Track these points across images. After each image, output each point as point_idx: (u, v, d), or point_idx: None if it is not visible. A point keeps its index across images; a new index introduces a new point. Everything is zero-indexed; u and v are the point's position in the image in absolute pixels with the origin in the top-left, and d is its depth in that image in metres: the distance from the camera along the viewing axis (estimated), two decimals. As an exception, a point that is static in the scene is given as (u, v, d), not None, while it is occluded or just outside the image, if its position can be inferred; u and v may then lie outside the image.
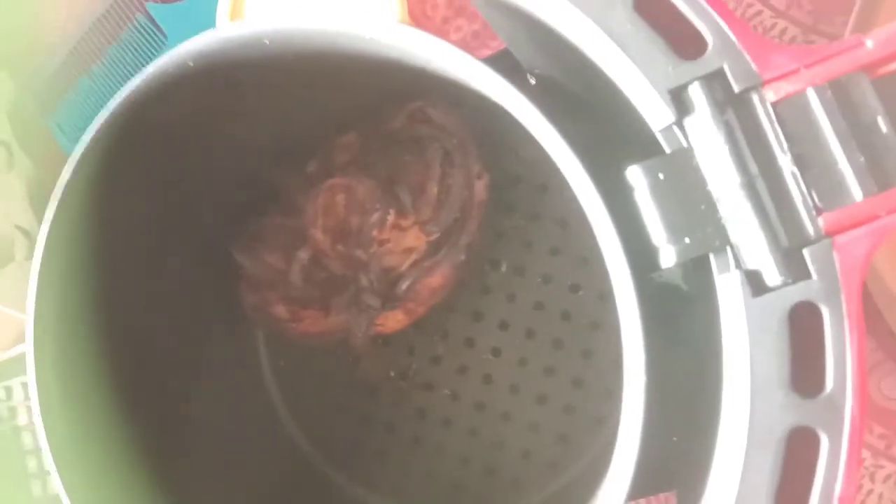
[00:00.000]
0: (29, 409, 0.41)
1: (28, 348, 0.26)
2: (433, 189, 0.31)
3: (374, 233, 0.31)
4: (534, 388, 0.34)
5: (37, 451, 0.41)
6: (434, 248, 0.32)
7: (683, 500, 0.24)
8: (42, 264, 0.26)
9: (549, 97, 0.32)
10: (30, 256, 0.41)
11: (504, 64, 0.31)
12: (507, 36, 0.28)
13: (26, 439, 0.41)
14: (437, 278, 0.32)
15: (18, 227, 0.41)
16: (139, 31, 0.42)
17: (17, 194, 0.42)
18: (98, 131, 0.25)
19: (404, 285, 0.32)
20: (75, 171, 0.25)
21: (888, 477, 0.32)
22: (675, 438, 0.25)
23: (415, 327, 0.34)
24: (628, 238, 0.19)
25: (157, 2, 0.42)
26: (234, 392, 0.36)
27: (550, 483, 0.34)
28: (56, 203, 0.25)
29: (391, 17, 0.33)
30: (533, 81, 0.32)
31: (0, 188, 0.41)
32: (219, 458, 0.32)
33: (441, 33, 0.37)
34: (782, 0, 0.34)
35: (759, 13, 0.34)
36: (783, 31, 0.34)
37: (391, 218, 0.31)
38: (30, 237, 0.41)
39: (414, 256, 0.32)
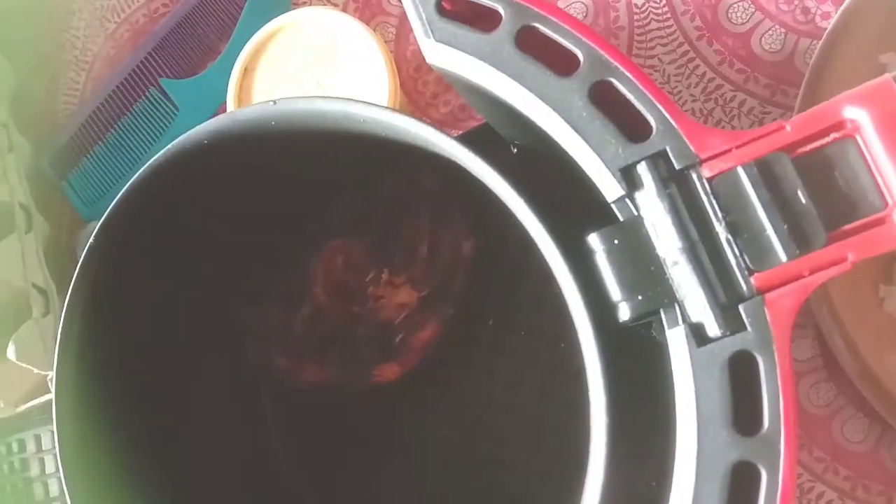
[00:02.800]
0: (41, 460, 0.43)
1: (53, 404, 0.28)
2: (424, 250, 0.34)
3: (370, 290, 0.34)
4: (521, 435, 0.36)
5: (48, 501, 0.42)
6: (425, 304, 0.35)
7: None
8: (64, 325, 0.28)
9: (529, 165, 0.35)
10: (46, 313, 0.43)
11: (488, 134, 0.35)
12: (487, 115, 0.31)
13: (38, 490, 0.43)
14: (427, 331, 0.35)
15: (35, 286, 0.43)
16: (152, 103, 0.45)
17: (34, 254, 0.44)
18: (120, 202, 0.28)
19: (398, 338, 0.35)
20: (97, 239, 0.28)
21: (855, 517, 0.34)
22: (653, 483, 0.27)
23: (408, 377, 0.36)
24: (595, 295, 0.22)
25: (169, 77, 0.45)
26: (236, 440, 0.38)
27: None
28: (78, 268, 0.28)
29: (384, 96, 0.36)
30: (514, 150, 0.35)
31: (20, 248, 0.43)
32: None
33: (431, 107, 0.41)
34: (740, 76, 0.37)
35: (719, 87, 0.38)
36: (742, 103, 0.37)
37: (385, 276, 0.34)
38: (45, 295, 0.44)
39: (407, 311, 0.35)
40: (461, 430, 0.37)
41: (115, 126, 0.46)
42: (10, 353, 0.39)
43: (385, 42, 0.39)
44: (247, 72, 0.39)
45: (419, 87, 0.41)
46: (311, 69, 0.38)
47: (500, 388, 0.36)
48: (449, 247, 0.34)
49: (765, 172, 0.20)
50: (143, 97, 0.45)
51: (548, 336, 0.36)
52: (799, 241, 0.20)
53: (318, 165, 0.31)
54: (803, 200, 0.20)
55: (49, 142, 0.47)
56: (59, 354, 0.29)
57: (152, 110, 0.45)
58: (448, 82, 0.27)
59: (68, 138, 0.46)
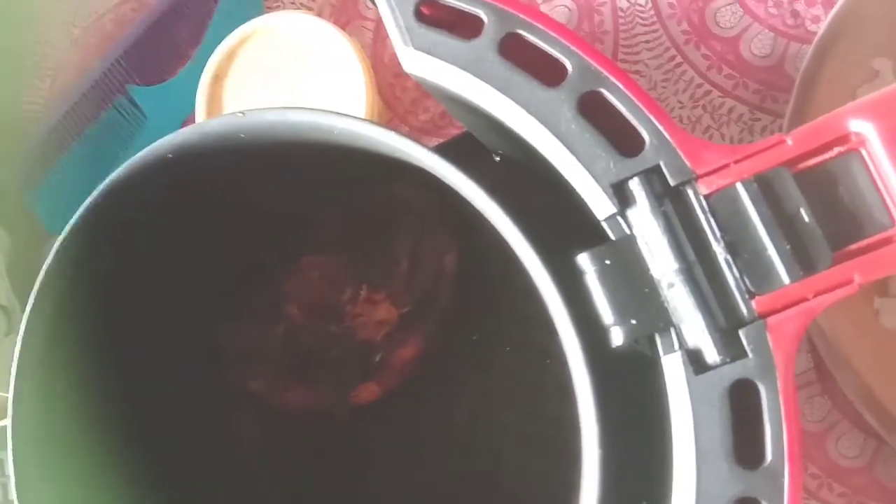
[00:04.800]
0: (3, 486, 0.41)
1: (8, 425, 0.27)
2: (404, 264, 0.32)
3: (348, 307, 0.32)
4: (512, 456, 0.35)
5: (10, 528, 0.40)
6: (406, 321, 0.33)
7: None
8: (23, 345, 0.26)
9: (512, 175, 0.34)
10: (8, 332, 0.41)
11: (469, 143, 0.33)
12: (469, 125, 0.30)
13: (0, 516, 0.41)
14: (409, 349, 0.33)
15: (-3, 303, 0.41)
16: (120, 111, 0.43)
17: (-4, 271, 0.42)
18: (79, 218, 0.26)
19: (378, 357, 0.33)
20: (57, 257, 0.26)
21: (851, 534, 0.33)
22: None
23: (391, 397, 0.35)
24: (586, 315, 0.20)
25: (137, 83, 0.43)
26: (214, 466, 0.36)
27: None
28: (37, 288, 0.26)
29: (361, 103, 0.35)
30: (497, 159, 0.34)
31: (-20, 265, 0.41)
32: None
33: (410, 114, 0.39)
34: (729, 81, 0.36)
35: (708, 93, 0.36)
36: (731, 110, 0.36)
37: (364, 293, 0.32)
38: (8, 313, 0.42)
39: (386, 328, 0.33)
40: (449, 451, 0.35)
41: (82, 135, 0.44)
42: (-31, 375, 0.37)
43: (362, 47, 0.37)
44: (217, 78, 0.38)
45: (397, 93, 0.40)
46: (285, 76, 0.37)
47: (486, 405, 0.35)
48: (430, 261, 0.33)
49: (765, 189, 0.19)
50: (110, 104, 0.44)
51: (533, 351, 0.35)
52: (802, 261, 0.18)
53: (292, 179, 0.30)
54: (806, 219, 0.19)
55: (12, 152, 0.45)
56: (16, 378, 0.27)
57: (120, 118, 0.43)
58: (427, 91, 0.26)
59: (32, 148, 0.44)
